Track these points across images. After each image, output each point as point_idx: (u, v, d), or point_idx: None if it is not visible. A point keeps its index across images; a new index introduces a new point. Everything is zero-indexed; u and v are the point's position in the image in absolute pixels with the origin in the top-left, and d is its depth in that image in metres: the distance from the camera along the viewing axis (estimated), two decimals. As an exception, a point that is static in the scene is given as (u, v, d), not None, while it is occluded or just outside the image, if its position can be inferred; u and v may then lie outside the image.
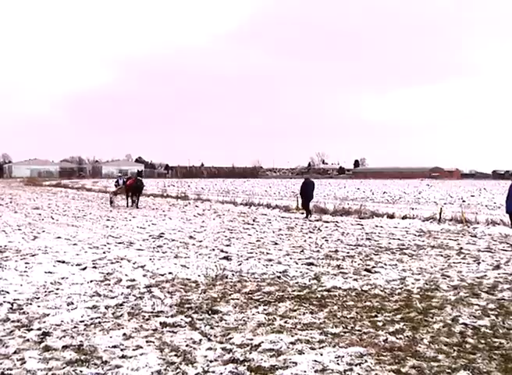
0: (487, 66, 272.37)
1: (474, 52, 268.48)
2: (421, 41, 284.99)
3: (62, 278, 9.89)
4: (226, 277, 10.23)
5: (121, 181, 31.85)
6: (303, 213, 24.16)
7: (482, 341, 6.52)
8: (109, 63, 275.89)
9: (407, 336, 6.71)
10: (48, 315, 7.50)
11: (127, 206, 29.79)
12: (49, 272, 10.38)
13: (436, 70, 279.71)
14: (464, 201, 36.03)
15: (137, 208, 28.89)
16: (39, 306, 7.95)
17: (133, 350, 6.16)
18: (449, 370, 5.56)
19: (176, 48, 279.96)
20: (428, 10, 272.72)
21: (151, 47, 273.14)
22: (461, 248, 14.09)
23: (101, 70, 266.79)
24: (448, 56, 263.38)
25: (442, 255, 12.92)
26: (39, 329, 6.88)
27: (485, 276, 10.45)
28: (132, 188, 30.05)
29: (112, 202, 30.93)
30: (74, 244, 14.29)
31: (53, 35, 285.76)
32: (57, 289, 9.09)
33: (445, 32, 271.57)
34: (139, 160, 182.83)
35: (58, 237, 15.74)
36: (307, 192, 23.88)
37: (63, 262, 11.54)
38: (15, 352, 6.04)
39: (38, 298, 8.45)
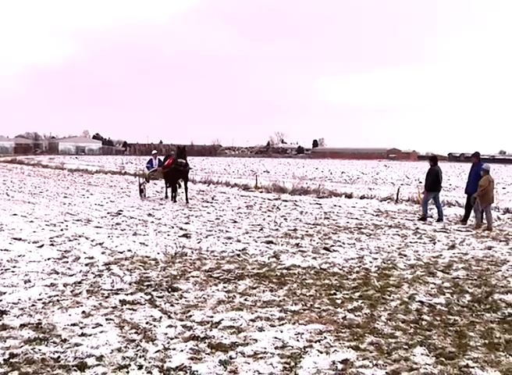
0: (447, 54, 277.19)
1: (437, 40, 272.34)
2: (386, 25, 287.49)
3: (19, 256, 9.71)
4: (186, 255, 10.21)
5: (155, 162, 22.82)
6: (261, 192, 24.48)
7: (438, 318, 6.69)
8: (67, 37, 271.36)
9: (365, 313, 6.84)
10: (4, 293, 7.36)
11: (166, 197, 21.47)
12: (5, 249, 10.18)
13: (398, 55, 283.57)
14: (420, 182, 36.38)
15: (187, 202, 19.72)
16: (-5, 284, 7.80)
17: (93, 328, 6.12)
18: (406, 346, 5.70)
19: (136, 24, 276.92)
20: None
21: (110, 21, 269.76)
22: (417, 228, 14.37)
23: (58, 44, 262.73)
24: (410, 43, 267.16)
25: (399, 235, 13.16)
26: (-5, 307, 6.77)
27: (441, 255, 10.68)
28: (171, 172, 20.34)
29: (141, 191, 22.13)
30: (31, 222, 14.03)
31: (7, 6, 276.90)
32: (13, 267, 8.92)
33: (413, 18, 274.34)
34: (96, 137, 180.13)
35: (14, 214, 15.43)
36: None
37: (19, 239, 11.33)
38: (-30, 331, 5.94)
39: (-6, 276, 8.29)
